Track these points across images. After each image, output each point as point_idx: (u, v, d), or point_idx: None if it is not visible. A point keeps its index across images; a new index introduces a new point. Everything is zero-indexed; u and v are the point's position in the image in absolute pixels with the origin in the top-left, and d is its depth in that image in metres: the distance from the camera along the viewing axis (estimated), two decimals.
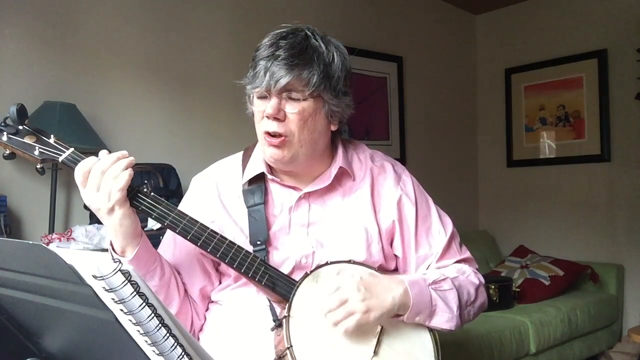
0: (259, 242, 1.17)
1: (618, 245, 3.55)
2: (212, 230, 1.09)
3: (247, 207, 1.21)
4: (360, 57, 3.38)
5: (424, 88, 3.88)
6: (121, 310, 0.67)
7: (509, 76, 4.08)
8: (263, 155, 1.20)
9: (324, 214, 1.23)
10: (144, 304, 0.68)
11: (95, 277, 0.66)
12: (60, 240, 1.95)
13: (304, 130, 1.13)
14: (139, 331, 0.69)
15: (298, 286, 1.08)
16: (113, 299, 0.67)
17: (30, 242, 0.69)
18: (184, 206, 1.25)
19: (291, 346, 1.01)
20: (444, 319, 1.15)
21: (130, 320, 0.68)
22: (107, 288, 0.66)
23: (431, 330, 1.16)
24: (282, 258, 1.18)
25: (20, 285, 0.77)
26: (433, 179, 3.31)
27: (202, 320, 1.25)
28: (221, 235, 1.09)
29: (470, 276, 1.27)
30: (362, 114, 3.43)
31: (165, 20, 2.63)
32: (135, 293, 0.68)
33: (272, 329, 1.07)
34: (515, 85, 4.05)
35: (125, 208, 1.03)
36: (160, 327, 0.69)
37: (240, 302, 1.19)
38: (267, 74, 1.09)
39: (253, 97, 1.16)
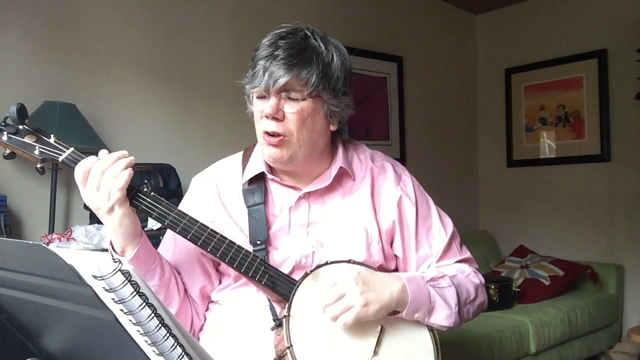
0: (259, 242, 1.17)
1: (618, 245, 3.55)
2: (212, 230, 1.09)
3: (247, 207, 1.21)
4: (360, 57, 3.38)
5: (424, 88, 3.88)
6: (121, 310, 0.67)
7: (509, 76, 4.08)
8: (262, 154, 1.20)
9: (323, 214, 1.23)
10: (144, 304, 0.68)
11: (95, 277, 0.66)
12: (60, 240, 1.96)
13: (302, 130, 1.13)
14: (139, 331, 0.69)
15: (298, 286, 1.08)
16: (113, 299, 0.67)
17: (30, 242, 0.69)
18: (184, 206, 1.25)
19: (291, 346, 1.01)
20: (443, 316, 1.15)
21: (130, 320, 0.68)
22: (107, 288, 0.66)
23: (431, 330, 1.16)
24: (282, 258, 1.18)
25: (20, 285, 0.77)
26: (433, 179, 3.31)
27: (202, 320, 1.25)
28: (221, 235, 1.09)
29: (470, 275, 1.27)
30: (362, 114, 3.43)
31: (166, 20, 2.63)
32: (135, 293, 0.68)
33: (272, 329, 1.07)
34: (515, 85, 4.05)
35: (125, 207, 1.03)
36: (160, 327, 0.69)
37: (240, 302, 1.19)
38: (266, 74, 1.09)
39: (252, 97, 1.16)
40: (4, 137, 1.04)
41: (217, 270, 1.24)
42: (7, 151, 1.06)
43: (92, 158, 1.03)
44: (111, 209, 1.02)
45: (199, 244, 1.07)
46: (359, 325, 1.06)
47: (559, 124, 3.83)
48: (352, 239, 1.21)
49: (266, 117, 1.12)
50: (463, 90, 4.19)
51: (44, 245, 0.67)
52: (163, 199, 1.08)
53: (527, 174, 3.99)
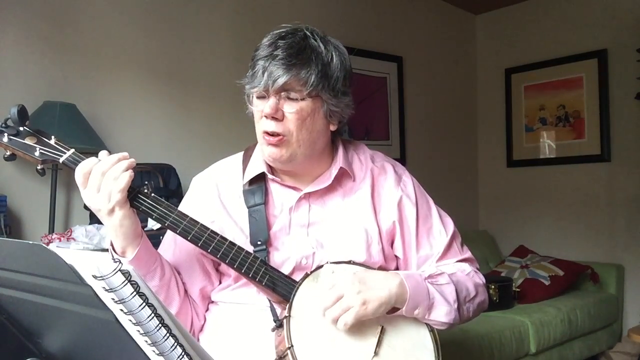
0: (259, 243, 1.17)
1: (618, 245, 3.55)
2: (212, 231, 1.09)
3: (248, 207, 1.21)
4: (360, 57, 3.38)
5: (424, 88, 3.88)
6: (121, 310, 0.67)
7: (509, 76, 4.08)
8: (262, 154, 1.20)
9: (324, 215, 1.23)
10: (144, 304, 0.68)
11: (95, 277, 0.66)
12: (60, 240, 1.96)
13: (302, 130, 1.13)
14: (139, 331, 0.69)
15: (298, 287, 1.08)
16: (113, 299, 0.67)
17: (30, 242, 0.69)
18: (184, 206, 1.25)
19: (292, 346, 1.01)
20: (443, 312, 1.15)
21: (130, 320, 0.68)
22: (107, 288, 0.66)
23: (431, 330, 1.16)
24: (282, 258, 1.18)
25: (20, 285, 0.77)
26: (433, 179, 3.32)
27: (202, 320, 1.25)
28: (222, 236, 1.09)
29: (470, 274, 1.27)
30: (362, 114, 3.43)
31: (166, 20, 2.63)
32: (135, 293, 0.68)
33: (273, 330, 1.07)
34: (515, 85, 4.05)
35: (125, 209, 1.03)
36: (160, 327, 0.69)
37: (240, 303, 1.19)
38: (266, 74, 1.09)
39: (252, 97, 1.16)
40: (5, 139, 1.04)
41: (217, 270, 1.24)
42: (8, 153, 1.06)
43: (92, 159, 1.03)
44: (112, 211, 1.02)
45: (199, 245, 1.07)
46: (360, 326, 1.06)
47: (559, 124, 3.83)
48: (352, 239, 1.21)
49: (266, 117, 1.12)
50: (463, 90, 4.19)
51: (44, 245, 0.67)
52: (163, 200, 1.08)
53: (527, 174, 3.99)
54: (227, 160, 1.33)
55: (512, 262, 3.55)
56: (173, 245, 1.23)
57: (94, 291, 0.66)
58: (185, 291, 1.21)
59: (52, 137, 1.06)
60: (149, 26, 2.58)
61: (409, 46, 3.78)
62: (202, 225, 1.08)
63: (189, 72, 2.71)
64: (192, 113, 2.72)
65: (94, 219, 2.15)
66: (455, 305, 1.17)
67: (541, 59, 3.89)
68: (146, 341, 0.69)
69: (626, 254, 3.51)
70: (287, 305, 1.06)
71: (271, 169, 1.23)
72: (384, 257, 1.24)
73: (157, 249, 1.18)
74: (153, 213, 1.06)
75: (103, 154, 1.05)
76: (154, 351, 0.70)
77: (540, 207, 3.90)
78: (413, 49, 3.80)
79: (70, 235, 2.00)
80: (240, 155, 1.31)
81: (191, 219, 1.08)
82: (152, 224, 1.94)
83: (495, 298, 2.96)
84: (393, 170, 1.30)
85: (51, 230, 2.13)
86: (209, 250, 1.07)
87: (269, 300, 1.14)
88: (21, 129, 1.05)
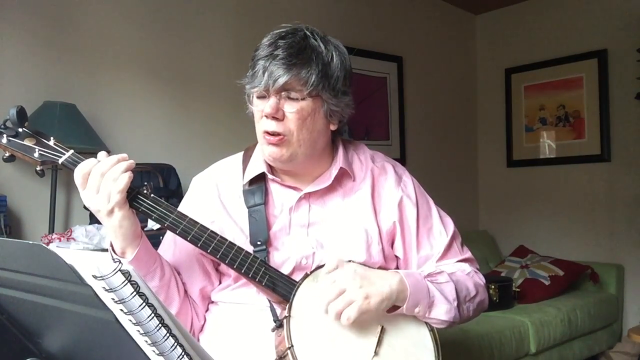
0: (259, 243, 1.17)
1: (618, 245, 3.55)
2: (212, 231, 1.09)
3: (248, 208, 1.21)
4: (360, 57, 3.38)
5: (424, 88, 3.88)
6: (121, 310, 0.67)
7: (509, 76, 4.08)
8: (262, 154, 1.20)
9: (324, 215, 1.23)
10: (144, 304, 0.68)
11: (95, 277, 0.66)
12: (60, 240, 1.96)
13: (302, 130, 1.14)
14: (139, 331, 0.69)
15: (298, 287, 1.08)
16: (113, 299, 0.67)
17: (30, 242, 0.69)
18: (184, 206, 1.25)
19: (292, 346, 1.01)
20: (443, 310, 1.15)
21: (130, 320, 0.68)
22: (107, 288, 0.66)
23: (432, 329, 1.16)
24: (282, 259, 1.18)
25: (20, 285, 0.77)
26: (433, 179, 3.32)
27: (201, 320, 1.25)
28: (221, 236, 1.09)
29: (470, 274, 1.27)
30: (362, 114, 3.43)
31: (166, 20, 2.63)
32: (135, 293, 0.68)
33: (273, 330, 1.07)
34: (515, 85, 4.05)
35: (125, 210, 1.03)
36: (160, 327, 0.69)
37: (240, 303, 1.19)
38: (266, 74, 1.09)
39: (252, 96, 1.17)
40: (4, 140, 1.04)
41: (217, 270, 1.24)
42: (7, 154, 1.06)
43: (91, 160, 1.03)
44: (111, 211, 1.02)
45: (199, 245, 1.07)
46: (360, 325, 1.06)
47: (559, 124, 3.83)
48: (352, 239, 1.21)
49: (266, 116, 1.12)
50: (463, 90, 4.19)
51: (44, 245, 0.67)
52: (163, 201, 1.08)
53: (527, 174, 3.99)
54: (227, 161, 1.33)
55: (512, 262, 3.55)
56: (173, 245, 1.23)
57: (94, 291, 0.66)
58: (185, 291, 1.21)
59: (51, 138, 1.06)
60: (149, 26, 2.58)
61: (409, 46, 3.78)
62: (201, 225, 1.08)
63: (189, 72, 2.71)
64: (192, 113, 2.72)
65: (94, 219, 2.15)
66: (455, 304, 1.17)
67: (541, 59, 3.89)
68: (146, 341, 0.69)
69: (626, 254, 3.51)
70: (287, 305, 1.06)
71: (271, 169, 1.23)
72: (384, 257, 1.24)
73: (157, 249, 1.18)
74: (152, 214, 1.06)
75: (102, 154, 1.05)
76: (154, 351, 0.70)
77: (540, 207, 3.90)
78: (413, 49, 3.80)
79: (70, 235, 2.00)
80: (240, 156, 1.31)
81: (191, 219, 1.08)
82: (152, 224, 1.94)
83: (495, 298, 2.96)
84: (393, 170, 1.30)
85: (51, 230, 2.13)
86: (208, 251, 1.07)
87: (269, 300, 1.14)
88: (20, 130, 1.05)
